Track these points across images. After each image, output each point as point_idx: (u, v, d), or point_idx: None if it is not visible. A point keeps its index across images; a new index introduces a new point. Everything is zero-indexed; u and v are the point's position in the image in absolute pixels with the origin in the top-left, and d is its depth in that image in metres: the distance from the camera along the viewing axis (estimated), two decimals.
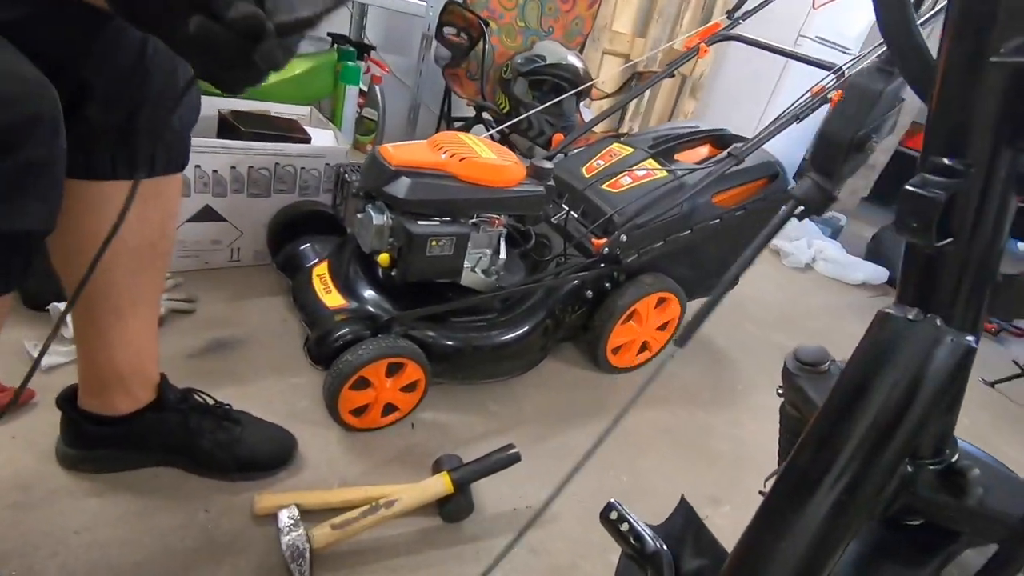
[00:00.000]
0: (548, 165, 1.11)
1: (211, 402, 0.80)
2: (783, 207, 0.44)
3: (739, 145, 1.22)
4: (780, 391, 0.45)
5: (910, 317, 0.31)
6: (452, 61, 1.61)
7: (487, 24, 1.45)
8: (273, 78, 1.35)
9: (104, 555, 0.69)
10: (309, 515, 0.78)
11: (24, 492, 0.73)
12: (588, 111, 1.93)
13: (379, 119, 1.67)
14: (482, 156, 1.04)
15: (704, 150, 1.48)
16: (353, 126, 1.63)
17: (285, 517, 0.75)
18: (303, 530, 0.74)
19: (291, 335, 1.13)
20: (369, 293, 1.05)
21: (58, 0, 0.45)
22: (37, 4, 0.45)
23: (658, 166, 1.30)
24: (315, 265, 1.14)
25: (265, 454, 0.83)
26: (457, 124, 1.89)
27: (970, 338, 0.30)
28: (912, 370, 0.29)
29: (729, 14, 1.48)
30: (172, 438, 0.76)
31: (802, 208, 0.43)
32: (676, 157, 1.42)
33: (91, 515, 0.73)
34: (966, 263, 0.31)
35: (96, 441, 0.74)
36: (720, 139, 1.47)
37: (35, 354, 0.87)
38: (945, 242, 0.30)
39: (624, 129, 2.41)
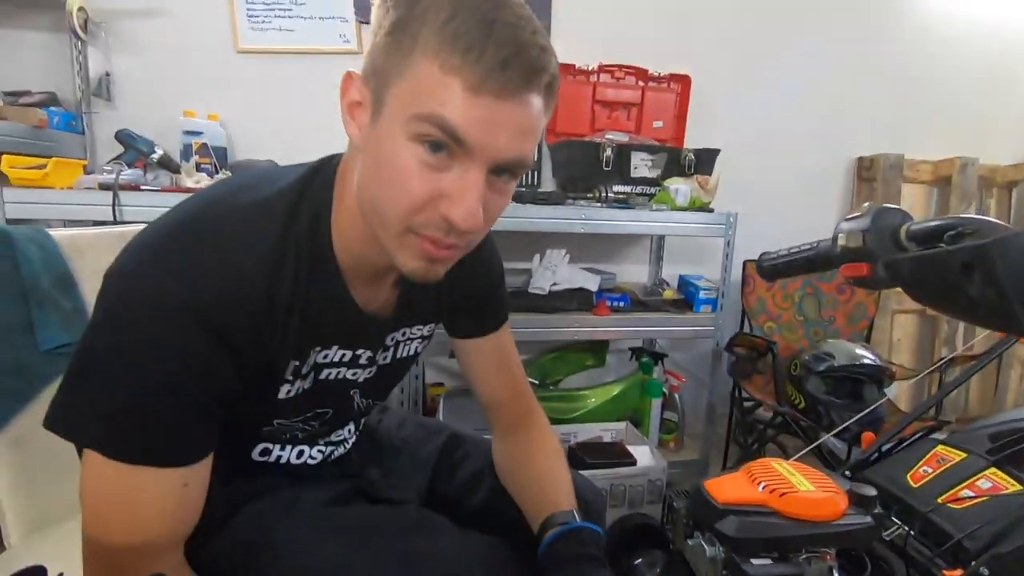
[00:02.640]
0: (871, 492, 1.13)
1: None
2: None
3: None
4: None
5: None
6: (740, 367, 1.83)
7: (773, 343, 1.67)
8: (595, 400, 1.74)
9: None
10: None
11: None
12: (892, 390, 1.88)
13: (679, 420, 1.92)
14: (800, 489, 1.13)
15: None
16: (658, 429, 1.91)
17: None
18: None
19: None
20: None
21: None
22: None
23: (1007, 477, 1.19)
24: None
25: None
26: (748, 404, 2.02)
27: None
28: None
29: None
30: None
31: None
32: None
33: None
34: None
35: None
36: None
37: None
38: None
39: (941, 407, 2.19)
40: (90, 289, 0.91)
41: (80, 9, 1.61)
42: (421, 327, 0.75)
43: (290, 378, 0.61)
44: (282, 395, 0.62)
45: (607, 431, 1.78)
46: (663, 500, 1.47)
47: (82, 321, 0.90)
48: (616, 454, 1.51)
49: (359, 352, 0.67)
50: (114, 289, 0.51)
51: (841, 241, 0.54)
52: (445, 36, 0.45)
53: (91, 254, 0.93)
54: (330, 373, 0.66)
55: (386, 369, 0.74)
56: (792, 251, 0.62)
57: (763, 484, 1.21)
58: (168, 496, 0.52)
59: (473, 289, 0.75)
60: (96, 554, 0.52)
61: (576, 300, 1.77)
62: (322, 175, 0.59)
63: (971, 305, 0.41)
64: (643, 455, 1.60)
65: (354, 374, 0.69)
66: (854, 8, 2.29)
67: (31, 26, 1.68)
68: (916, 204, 2.44)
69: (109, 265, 0.52)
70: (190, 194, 1.63)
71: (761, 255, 0.66)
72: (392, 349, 0.73)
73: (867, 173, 2.36)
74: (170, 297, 0.49)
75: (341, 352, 0.65)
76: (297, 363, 0.61)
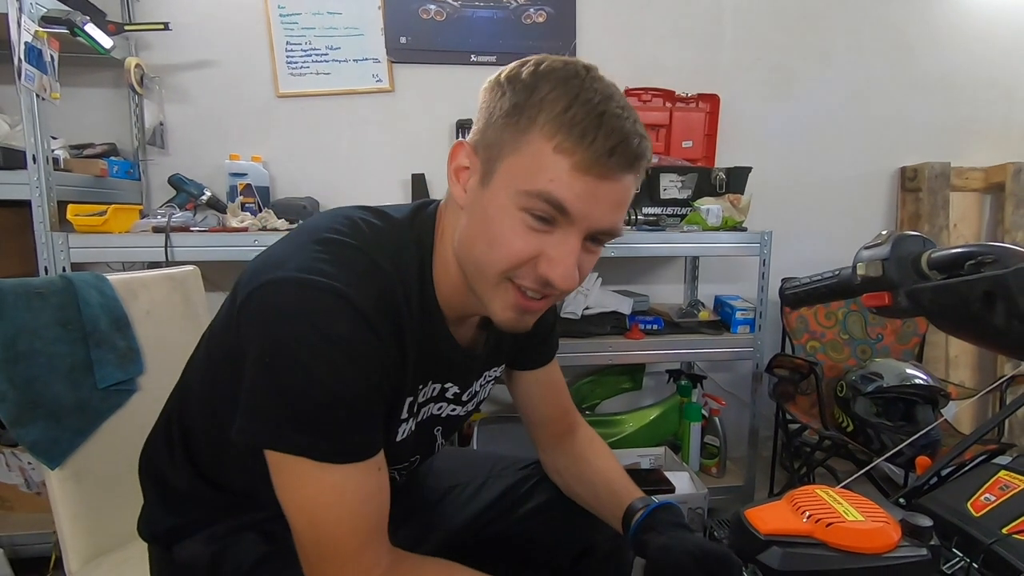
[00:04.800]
0: (926, 522, 1.07)
1: None
2: None
3: None
4: None
5: None
6: (782, 389, 1.77)
7: (817, 363, 1.61)
8: (633, 425, 1.71)
9: None
10: None
11: None
12: (950, 411, 1.77)
13: (721, 444, 1.87)
14: (848, 519, 1.09)
15: None
16: (699, 454, 1.86)
17: None
18: None
19: None
20: None
21: None
22: None
23: None
24: None
25: None
26: (794, 427, 1.94)
27: None
28: None
29: None
30: None
31: None
32: None
33: None
34: None
35: None
36: None
37: None
38: None
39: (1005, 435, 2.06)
40: (142, 330, 0.97)
41: (137, 66, 1.75)
42: (496, 368, 0.79)
43: (405, 416, 0.64)
44: (398, 437, 0.65)
45: (645, 457, 1.74)
46: (704, 529, 1.43)
47: (135, 359, 0.96)
48: (654, 481, 1.48)
49: (447, 386, 0.70)
50: (274, 301, 0.52)
51: (861, 270, 0.53)
52: (563, 122, 0.52)
53: (143, 296, 1.00)
54: (427, 410, 0.69)
55: (465, 415, 0.78)
56: (814, 279, 0.61)
57: (808, 513, 1.16)
58: (368, 482, 0.56)
59: (538, 331, 0.79)
60: (317, 549, 0.55)
61: (609, 324, 1.76)
62: (420, 222, 0.63)
63: (997, 335, 0.40)
64: (683, 482, 1.56)
65: (439, 408, 0.72)
66: (889, 19, 2.24)
67: (94, 84, 1.83)
68: (968, 213, 2.33)
69: (247, 289, 0.54)
70: (235, 233, 1.66)
71: (783, 282, 0.65)
72: (475, 395, 0.77)
73: (911, 183, 2.28)
74: (342, 298, 0.52)
75: (434, 386, 0.68)
76: (411, 399, 0.64)
